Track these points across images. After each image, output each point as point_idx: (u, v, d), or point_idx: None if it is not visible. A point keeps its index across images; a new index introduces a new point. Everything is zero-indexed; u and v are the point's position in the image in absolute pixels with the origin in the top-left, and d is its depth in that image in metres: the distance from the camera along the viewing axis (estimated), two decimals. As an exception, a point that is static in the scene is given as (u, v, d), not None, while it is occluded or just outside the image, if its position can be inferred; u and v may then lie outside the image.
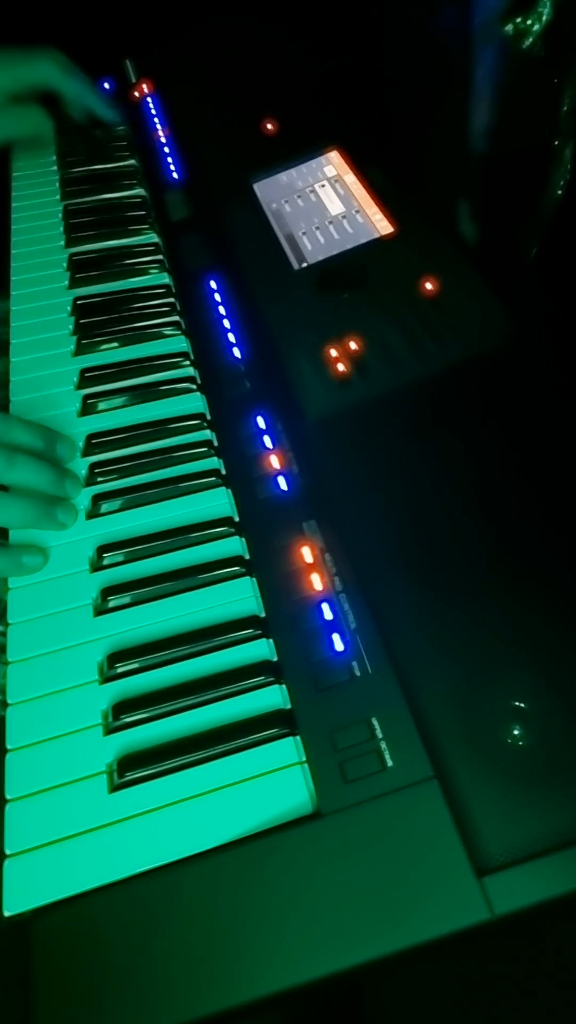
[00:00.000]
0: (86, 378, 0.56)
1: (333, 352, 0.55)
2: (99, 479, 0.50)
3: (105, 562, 0.46)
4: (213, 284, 0.63)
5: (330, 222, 0.65)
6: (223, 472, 0.50)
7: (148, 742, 0.38)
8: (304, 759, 0.37)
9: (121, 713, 0.39)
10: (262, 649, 0.42)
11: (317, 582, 0.43)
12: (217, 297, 0.62)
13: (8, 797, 0.37)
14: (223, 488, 0.49)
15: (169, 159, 0.76)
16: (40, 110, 0.70)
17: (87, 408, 0.54)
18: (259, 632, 0.42)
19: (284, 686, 0.40)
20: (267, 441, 0.51)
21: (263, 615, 0.43)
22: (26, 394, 0.55)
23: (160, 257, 0.66)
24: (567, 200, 0.56)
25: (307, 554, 0.44)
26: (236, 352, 0.58)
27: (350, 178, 0.68)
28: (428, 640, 0.40)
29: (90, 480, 0.50)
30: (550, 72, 0.55)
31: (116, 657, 0.41)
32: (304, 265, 0.62)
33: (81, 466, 0.51)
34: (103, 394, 0.55)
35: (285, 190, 0.69)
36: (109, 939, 0.33)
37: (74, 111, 0.73)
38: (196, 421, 0.53)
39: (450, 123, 0.66)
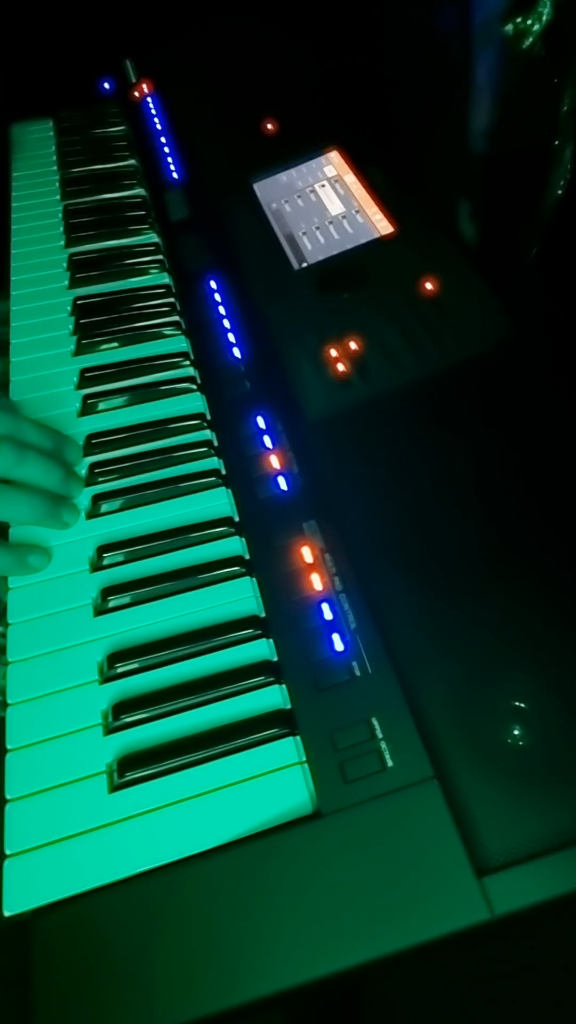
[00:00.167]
0: (86, 378, 0.56)
1: (333, 352, 0.55)
2: (99, 479, 0.50)
3: (105, 562, 0.46)
4: (213, 284, 0.63)
5: (330, 222, 0.65)
6: (223, 472, 0.50)
7: (148, 742, 0.38)
8: (304, 759, 0.37)
9: (121, 713, 0.39)
10: (262, 649, 0.42)
11: (317, 582, 0.43)
12: (217, 297, 0.62)
13: (8, 797, 0.37)
14: (223, 488, 0.49)
15: (169, 159, 0.76)
16: None
17: (87, 408, 0.54)
18: (259, 632, 0.42)
19: (284, 686, 0.40)
20: (267, 441, 0.51)
21: (263, 615, 0.43)
22: (26, 394, 0.55)
23: (160, 257, 0.66)
24: (567, 200, 0.56)
25: (307, 554, 0.44)
26: (236, 352, 0.57)
27: (350, 178, 0.68)
28: (428, 640, 0.40)
29: (90, 480, 0.50)
30: (550, 72, 0.55)
31: (116, 657, 0.41)
32: (304, 265, 0.62)
33: (81, 466, 0.51)
34: (103, 394, 0.55)
35: (285, 190, 0.69)
36: (109, 939, 0.33)
37: None
38: (196, 421, 0.53)
39: (450, 123, 0.66)
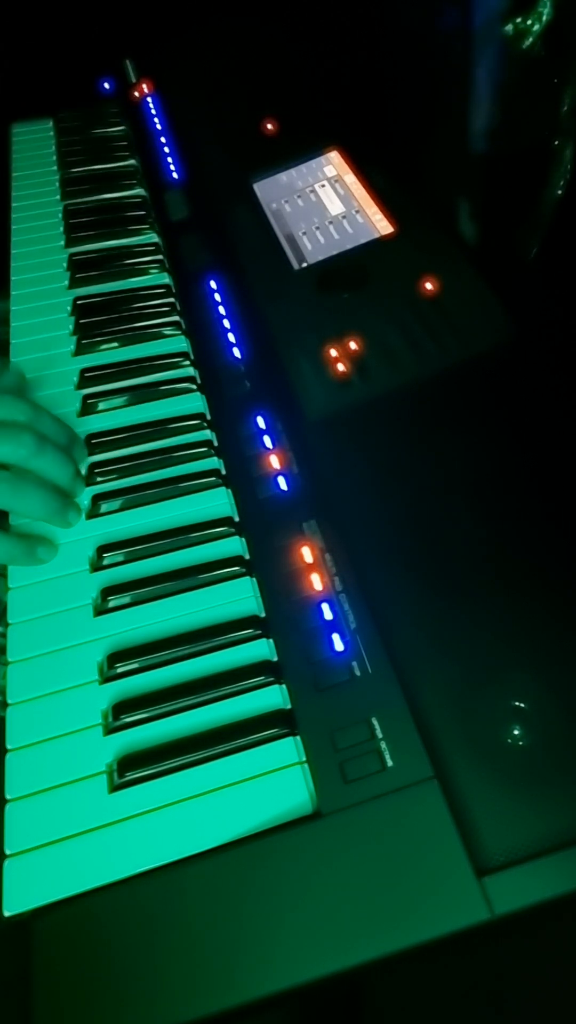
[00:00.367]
0: (86, 378, 0.56)
1: (333, 352, 0.55)
2: (99, 479, 0.50)
3: (105, 562, 0.46)
4: (213, 284, 0.63)
5: (330, 222, 0.65)
6: (223, 472, 0.50)
7: (148, 742, 0.38)
8: (304, 759, 0.37)
9: (121, 713, 0.39)
10: (262, 649, 0.42)
11: (317, 582, 0.43)
12: (217, 297, 0.62)
13: (8, 797, 0.37)
14: (223, 488, 0.49)
15: (169, 159, 0.76)
16: None
17: (87, 408, 0.54)
18: (259, 632, 0.42)
19: (284, 686, 0.40)
20: (267, 441, 0.51)
21: (263, 615, 0.43)
22: (26, 394, 0.55)
23: (160, 257, 0.66)
24: (567, 200, 0.56)
25: (307, 554, 0.44)
26: (236, 352, 0.57)
27: (350, 178, 0.68)
28: (428, 640, 0.40)
29: (90, 480, 0.50)
30: (550, 72, 0.55)
31: (116, 657, 0.41)
32: (304, 265, 0.62)
33: (82, 466, 0.51)
34: (103, 394, 0.55)
35: (285, 190, 0.69)
36: (109, 939, 0.33)
37: None
38: (196, 421, 0.53)
39: (450, 123, 0.66)
